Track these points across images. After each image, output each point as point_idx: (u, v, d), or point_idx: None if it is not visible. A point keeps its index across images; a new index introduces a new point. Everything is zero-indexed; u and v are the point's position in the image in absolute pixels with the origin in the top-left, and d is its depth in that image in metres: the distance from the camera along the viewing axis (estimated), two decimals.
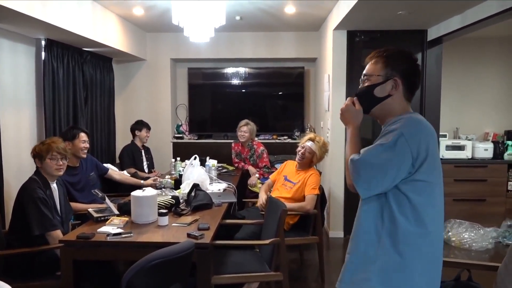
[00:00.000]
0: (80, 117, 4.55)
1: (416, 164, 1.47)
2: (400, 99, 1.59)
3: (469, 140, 5.30)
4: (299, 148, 3.63)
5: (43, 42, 4.01)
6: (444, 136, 5.33)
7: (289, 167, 3.79)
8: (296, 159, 3.64)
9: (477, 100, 5.60)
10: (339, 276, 1.65)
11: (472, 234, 3.47)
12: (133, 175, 4.43)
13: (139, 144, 5.04)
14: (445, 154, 5.05)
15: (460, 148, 5.12)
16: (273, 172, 4.85)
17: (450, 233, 3.61)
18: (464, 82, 5.57)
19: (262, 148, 4.92)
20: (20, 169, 3.75)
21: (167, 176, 4.45)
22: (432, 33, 4.44)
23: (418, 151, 1.45)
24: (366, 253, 1.55)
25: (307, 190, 3.46)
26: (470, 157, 5.10)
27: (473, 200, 4.94)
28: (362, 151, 1.54)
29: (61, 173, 2.89)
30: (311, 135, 3.67)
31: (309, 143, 3.57)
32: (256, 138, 5.17)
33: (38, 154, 2.80)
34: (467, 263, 2.51)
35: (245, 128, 4.85)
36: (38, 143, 2.90)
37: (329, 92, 4.78)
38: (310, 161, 3.60)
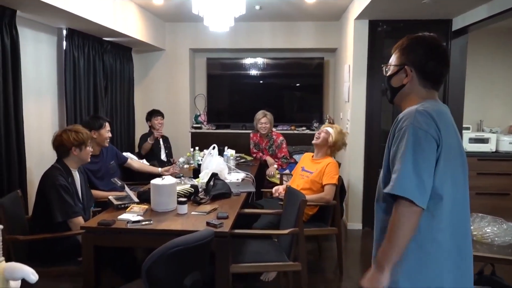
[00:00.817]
0: (101, 107, 4.60)
1: (438, 150, 1.43)
2: (416, 88, 1.56)
3: (493, 133, 5.18)
4: (316, 134, 3.73)
5: (64, 32, 4.04)
6: (468, 128, 5.21)
7: (306, 159, 3.82)
8: (313, 141, 3.70)
9: (503, 93, 5.45)
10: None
11: (495, 229, 3.40)
12: (152, 164, 4.48)
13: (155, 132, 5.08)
14: (468, 147, 4.95)
15: (484, 141, 5.00)
16: (291, 162, 4.85)
17: (472, 227, 3.55)
18: (490, 73, 5.42)
19: (281, 138, 4.91)
20: (42, 157, 3.81)
21: (181, 159, 4.48)
22: (458, 23, 4.32)
23: (437, 135, 1.42)
24: None
25: (325, 179, 3.44)
26: (494, 150, 4.99)
27: (496, 194, 4.83)
28: (393, 174, 1.44)
29: (89, 159, 3.00)
30: (330, 123, 3.75)
31: (326, 127, 3.70)
32: (274, 129, 5.16)
33: (79, 142, 2.83)
34: (490, 257, 2.46)
35: (265, 120, 4.84)
36: (69, 133, 2.84)
37: (349, 83, 4.72)
38: (325, 144, 3.61)
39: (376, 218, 1.60)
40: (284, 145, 4.88)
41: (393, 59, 1.62)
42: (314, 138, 3.68)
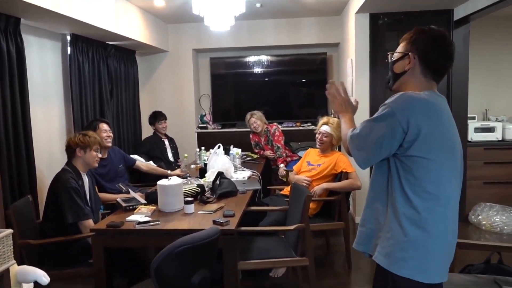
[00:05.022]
0: (106, 110, 4.65)
1: (407, 138, 1.48)
2: (417, 75, 1.61)
3: (499, 121, 5.14)
4: (316, 135, 3.70)
5: (68, 37, 4.10)
6: (473, 118, 5.18)
7: (311, 154, 3.84)
8: (317, 146, 3.71)
9: (508, 80, 5.41)
10: (356, 238, 1.72)
11: (504, 218, 3.38)
12: (159, 165, 4.52)
13: (160, 134, 5.11)
14: (474, 136, 4.92)
15: (490, 130, 4.96)
16: (295, 159, 4.86)
17: (480, 217, 3.54)
18: (494, 62, 5.38)
19: (274, 127, 4.93)
20: (51, 160, 3.88)
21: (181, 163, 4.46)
22: (459, 13, 4.30)
23: (407, 125, 1.47)
24: (377, 220, 1.61)
25: (346, 167, 3.49)
26: (500, 139, 4.95)
27: (504, 183, 4.79)
28: (358, 126, 1.63)
29: (97, 165, 3.05)
30: (324, 119, 3.73)
31: (323, 128, 3.63)
32: (275, 123, 5.17)
33: (84, 144, 2.91)
34: (497, 245, 2.47)
35: (253, 119, 4.89)
36: (78, 135, 2.98)
37: (352, 77, 4.72)
38: (330, 144, 3.65)
39: (372, 190, 1.68)
40: (277, 133, 4.87)
41: (399, 47, 1.68)
42: (318, 143, 3.68)
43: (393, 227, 1.53)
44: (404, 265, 1.50)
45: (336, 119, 3.71)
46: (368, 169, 4.66)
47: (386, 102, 1.55)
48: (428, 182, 1.49)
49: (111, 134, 3.73)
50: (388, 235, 1.55)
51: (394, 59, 1.67)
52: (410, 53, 1.60)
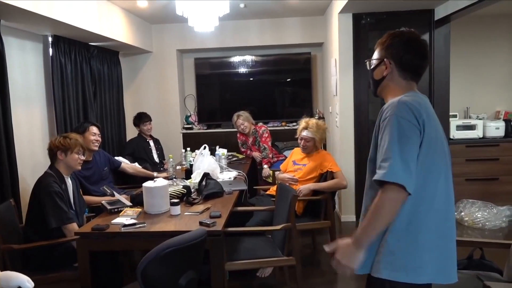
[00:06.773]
0: (90, 112, 4.59)
1: (420, 136, 1.49)
2: (396, 79, 1.63)
3: (480, 119, 5.24)
4: (298, 140, 3.73)
5: (50, 39, 4.04)
6: (455, 116, 5.28)
7: (296, 154, 3.87)
8: (301, 151, 3.75)
9: (488, 79, 5.52)
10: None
11: (485, 214, 3.45)
12: (144, 167, 4.48)
13: (145, 136, 5.08)
14: (456, 134, 5.01)
15: (471, 127, 5.06)
16: (281, 159, 4.88)
17: (462, 213, 3.59)
18: (474, 61, 5.49)
19: (263, 128, 4.94)
20: (35, 164, 3.82)
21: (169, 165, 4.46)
22: (440, 12, 4.37)
23: (419, 124, 1.48)
24: (380, 236, 1.55)
25: (332, 167, 3.52)
26: (481, 136, 5.05)
27: (485, 179, 4.89)
28: (382, 163, 1.46)
29: (80, 167, 3.00)
30: (303, 123, 3.73)
31: (304, 133, 3.65)
32: (260, 123, 5.18)
33: (65, 147, 2.86)
34: (480, 241, 2.51)
35: (240, 121, 4.88)
36: (59, 137, 2.94)
37: (337, 77, 4.75)
38: (314, 146, 3.68)
39: (364, 206, 1.66)
40: (266, 135, 4.89)
41: (375, 54, 1.71)
42: (301, 149, 3.70)
43: (399, 238, 1.50)
44: (423, 272, 1.49)
45: (314, 121, 3.71)
46: (353, 168, 4.72)
47: (386, 115, 1.50)
48: (430, 183, 1.50)
49: (99, 138, 3.68)
50: (392, 248, 1.50)
51: (372, 67, 1.70)
52: (385, 59, 1.63)
